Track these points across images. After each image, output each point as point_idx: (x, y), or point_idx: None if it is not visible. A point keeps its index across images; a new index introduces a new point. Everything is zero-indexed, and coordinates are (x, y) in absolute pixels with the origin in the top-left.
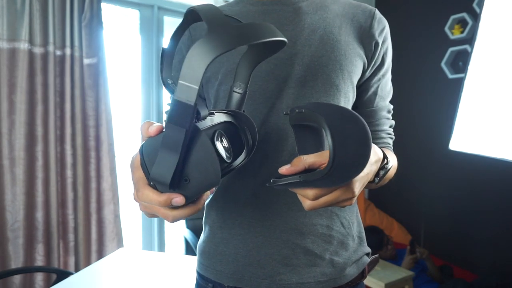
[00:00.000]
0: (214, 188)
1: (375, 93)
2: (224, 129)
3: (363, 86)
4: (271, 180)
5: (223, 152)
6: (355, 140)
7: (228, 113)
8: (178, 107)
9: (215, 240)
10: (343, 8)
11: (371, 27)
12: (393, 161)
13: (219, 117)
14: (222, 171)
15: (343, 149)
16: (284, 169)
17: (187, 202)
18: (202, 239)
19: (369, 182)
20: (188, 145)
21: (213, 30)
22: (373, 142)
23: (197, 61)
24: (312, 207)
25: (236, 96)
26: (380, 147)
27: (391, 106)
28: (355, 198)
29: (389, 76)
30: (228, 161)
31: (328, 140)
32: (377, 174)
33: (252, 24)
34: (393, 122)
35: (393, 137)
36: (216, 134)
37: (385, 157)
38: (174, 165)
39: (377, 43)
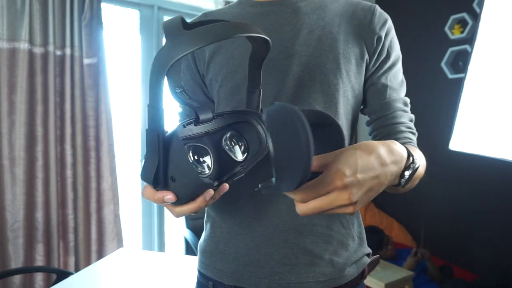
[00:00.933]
0: (227, 186)
1: (385, 85)
2: (237, 129)
3: (370, 80)
4: (259, 185)
5: (238, 153)
6: (289, 140)
7: (241, 113)
8: (150, 113)
9: (215, 239)
10: (343, 7)
11: (371, 22)
12: (421, 159)
13: (229, 118)
14: (234, 170)
15: (280, 151)
16: None
17: (181, 200)
18: (203, 238)
19: (394, 186)
20: (167, 148)
21: (168, 40)
22: (393, 138)
23: (158, 69)
24: (304, 211)
25: (252, 96)
26: (402, 143)
27: (408, 99)
28: (356, 206)
29: (398, 68)
30: (240, 160)
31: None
32: (402, 176)
33: (208, 26)
34: (412, 116)
35: (416, 132)
36: (225, 136)
37: (410, 155)
38: (154, 166)
39: (379, 38)
